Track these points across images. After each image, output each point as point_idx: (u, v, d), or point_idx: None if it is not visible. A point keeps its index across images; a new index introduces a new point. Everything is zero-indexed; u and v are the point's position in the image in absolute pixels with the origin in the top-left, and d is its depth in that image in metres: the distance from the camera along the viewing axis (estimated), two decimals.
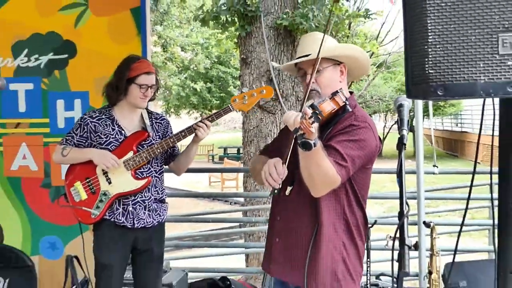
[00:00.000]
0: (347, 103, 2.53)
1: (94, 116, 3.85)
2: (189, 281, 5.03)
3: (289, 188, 2.80)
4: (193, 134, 3.75)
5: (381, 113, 33.02)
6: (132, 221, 3.78)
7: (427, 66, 1.54)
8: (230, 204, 18.24)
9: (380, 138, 2.83)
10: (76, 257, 4.62)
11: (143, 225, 3.80)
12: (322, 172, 2.50)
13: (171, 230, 13.52)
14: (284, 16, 7.44)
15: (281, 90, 7.43)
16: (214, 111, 3.71)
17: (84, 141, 3.85)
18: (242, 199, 8.66)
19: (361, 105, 27.65)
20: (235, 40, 8.70)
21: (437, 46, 1.54)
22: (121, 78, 3.74)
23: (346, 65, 2.89)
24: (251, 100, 3.67)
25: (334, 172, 2.53)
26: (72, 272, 4.71)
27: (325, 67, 2.80)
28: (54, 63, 5.13)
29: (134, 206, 3.78)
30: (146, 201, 3.82)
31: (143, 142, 3.80)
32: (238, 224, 9.22)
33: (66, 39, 5.10)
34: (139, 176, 3.78)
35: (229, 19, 8.11)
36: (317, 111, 2.26)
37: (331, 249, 2.75)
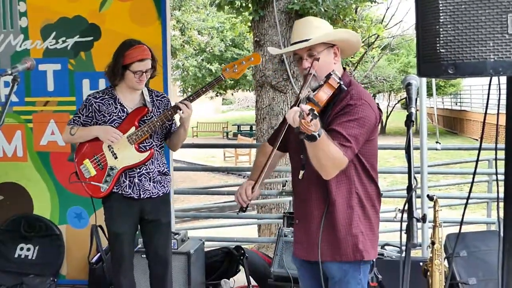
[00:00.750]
0: (341, 83, 2.55)
1: (97, 96, 3.87)
2: (206, 249, 5.03)
3: (301, 172, 2.80)
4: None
5: (385, 92, 32.88)
6: (138, 192, 3.80)
7: (438, 45, 1.50)
8: (244, 177, 18.20)
9: (379, 108, 2.81)
10: (100, 227, 4.64)
11: (148, 196, 3.82)
12: (329, 157, 2.51)
13: (189, 202, 13.66)
14: (295, 0, 7.38)
15: (292, 71, 7.38)
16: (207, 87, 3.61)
17: (90, 121, 3.87)
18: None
19: (366, 85, 27.73)
20: (249, 24, 8.63)
21: (448, 26, 1.50)
22: (116, 64, 3.75)
23: (339, 47, 2.85)
24: (240, 67, 3.63)
25: (341, 154, 2.54)
26: (97, 240, 4.74)
27: (320, 51, 2.75)
28: (80, 45, 5.10)
29: (140, 178, 3.80)
30: (150, 173, 3.83)
31: (144, 118, 3.79)
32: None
33: (91, 23, 5.06)
34: (142, 150, 3.78)
35: (243, 3, 8.03)
36: (314, 104, 2.30)
37: (348, 224, 2.77)
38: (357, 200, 2.78)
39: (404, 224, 1.76)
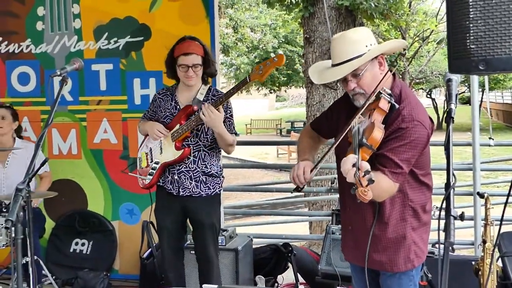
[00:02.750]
0: (392, 101, 2.45)
1: (161, 92, 4.01)
2: (255, 246, 5.05)
3: (353, 187, 2.73)
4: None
5: (441, 87, 32.21)
6: (177, 189, 3.86)
7: (468, 41, 1.47)
8: None
9: (431, 118, 2.67)
10: (152, 223, 4.72)
11: (188, 194, 3.85)
12: (383, 191, 2.48)
13: (241, 198, 13.73)
14: None
15: None
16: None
17: (154, 115, 4.00)
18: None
19: (421, 80, 27.20)
20: (299, 20, 8.61)
21: (478, 22, 1.46)
22: (168, 58, 3.85)
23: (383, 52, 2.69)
24: (265, 69, 3.53)
25: (392, 184, 2.50)
26: (148, 236, 4.83)
27: (364, 69, 2.59)
28: (131, 45, 5.21)
29: (179, 175, 3.85)
30: (190, 172, 3.85)
31: (192, 116, 3.79)
32: (302, 193, 9.20)
33: (142, 23, 5.17)
34: (182, 147, 3.81)
35: (293, 0, 8.02)
36: (368, 148, 2.22)
37: (401, 237, 2.71)
38: (411, 212, 2.71)
39: (442, 222, 1.74)
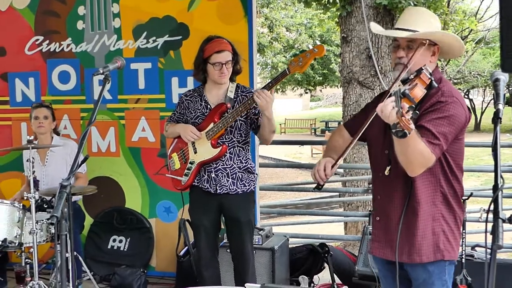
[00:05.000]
0: (433, 78, 2.47)
1: (188, 94, 4.02)
2: (290, 246, 5.04)
3: (387, 168, 2.75)
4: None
5: (479, 88, 31.65)
6: (215, 187, 3.86)
7: None
8: None
9: (469, 108, 2.71)
10: (188, 221, 4.74)
11: (225, 192, 3.87)
12: (417, 154, 2.46)
13: (275, 198, 13.72)
14: None
15: (379, 67, 7.26)
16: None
17: (182, 117, 4.02)
18: (341, 170, 8.57)
19: (459, 80, 26.78)
20: (336, 19, 8.55)
21: None
22: (198, 59, 3.87)
23: (440, 48, 2.75)
24: (305, 60, 3.52)
25: (429, 151, 2.49)
26: (184, 234, 4.85)
27: (419, 46, 2.65)
28: (169, 44, 5.25)
29: (216, 173, 3.86)
30: (228, 169, 3.87)
31: (225, 114, 3.81)
32: (337, 193, 9.16)
33: (180, 22, 5.20)
34: (218, 145, 3.82)
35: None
36: (409, 100, 2.21)
37: (431, 222, 2.71)
38: (442, 198, 2.72)
39: (490, 225, 1.70)
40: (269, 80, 3.73)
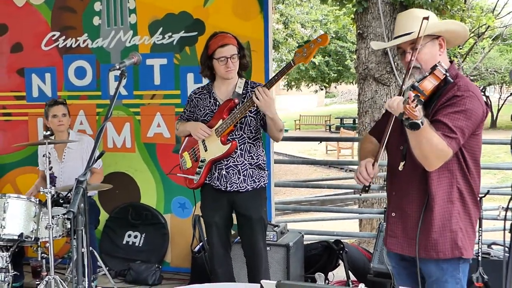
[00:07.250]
0: (448, 74, 2.47)
1: (197, 92, 4.01)
2: (305, 242, 5.03)
3: (401, 164, 2.73)
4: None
5: (496, 85, 31.35)
6: (225, 185, 3.85)
7: None
8: (345, 171, 18.04)
9: (486, 103, 2.69)
10: (202, 217, 4.74)
11: (236, 189, 3.85)
12: (433, 147, 2.45)
13: (290, 195, 13.71)
14: None
15: (395, 63, 7.20)
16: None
17: (192, 115, 4.01)
18: (356, 167, 8.53)
19: (475, 77, 26.55)
20: (352, 16, 8.50)
21: None
22: (203, 56, 3.86)
23: (445, 38, 2.76)
24: (309, 50, 3.48)
25: (445, 145, 2.48)
26: (199, 230, 4.85)
27: (424, 43, 2.68)
28: (185, 40, 5.25)
29: (227, 170, 3.85)
30: (239, 166, 3.85)
31: (234, 110, 3.77)
32: (352, 190, 9.12)
33: (196, 18, 5.19)
34: (228, 141, 3.80)
35: None
36: (419, 92, 2.23)
37: (447, 219, 2.69)
38: (458, 195, 2.70)
39: (508, 223, 1.68)
40: (275, 74, 3.69)
